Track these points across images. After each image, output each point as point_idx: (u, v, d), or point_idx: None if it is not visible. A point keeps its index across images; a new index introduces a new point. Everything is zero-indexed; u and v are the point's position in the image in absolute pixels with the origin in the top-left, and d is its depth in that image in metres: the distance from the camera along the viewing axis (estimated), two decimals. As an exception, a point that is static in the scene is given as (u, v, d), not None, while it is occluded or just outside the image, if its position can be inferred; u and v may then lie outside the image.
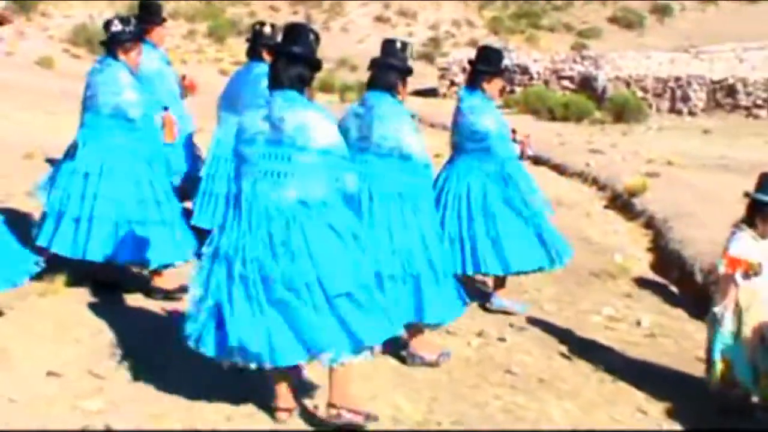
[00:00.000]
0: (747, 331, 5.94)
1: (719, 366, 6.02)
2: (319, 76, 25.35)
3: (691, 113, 25.25)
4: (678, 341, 7.70)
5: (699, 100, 25.36)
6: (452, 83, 31.13)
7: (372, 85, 6.12)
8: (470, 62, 7.75)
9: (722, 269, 6.03)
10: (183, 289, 6.28)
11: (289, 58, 4.88)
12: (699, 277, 9.49)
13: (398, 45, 6.16)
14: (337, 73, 34.61)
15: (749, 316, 5.94)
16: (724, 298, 6.07)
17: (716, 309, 6.13)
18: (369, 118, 6.01)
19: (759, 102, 24.24)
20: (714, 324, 6.11)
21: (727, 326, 5.99)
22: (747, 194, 6.24)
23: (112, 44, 6.92)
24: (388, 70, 6.08)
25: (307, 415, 5.04)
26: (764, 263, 5.93)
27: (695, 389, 6.68)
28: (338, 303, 4.67)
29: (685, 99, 25.56)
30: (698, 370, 7.01)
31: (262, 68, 7.16)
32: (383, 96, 6.05)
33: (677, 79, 26.03)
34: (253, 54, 8.17)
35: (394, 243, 5.85)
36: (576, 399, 6.08)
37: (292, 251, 4.67)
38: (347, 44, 41.44)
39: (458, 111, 7.62)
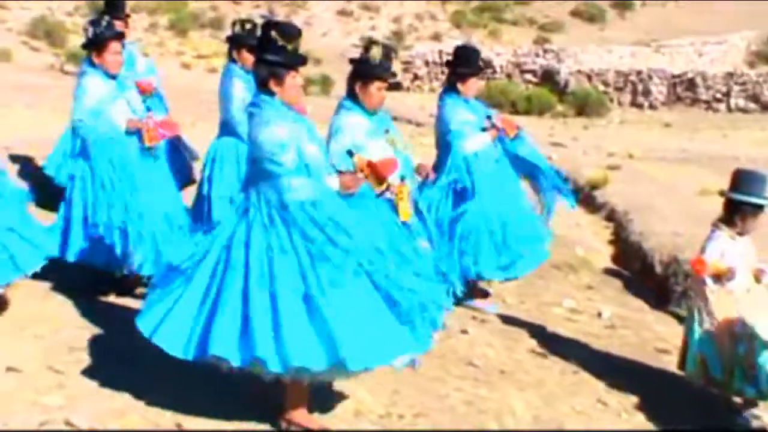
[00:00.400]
0: (719, 329, 5.99)
1: (698, 363, 6.06)
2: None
3: (652, 107, 25.46)
4: (638, 332, 7.77)
5: (659, 93, 25.57)
6: (416, 77, 31.18)
7: None
8: (447, 63, 7.74)
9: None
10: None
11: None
12: (659, 269, 9.59)
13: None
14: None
15: (722, 315, 5.99)
16: (698, 298, 6.13)
17: (692, 307, 6.18)
18: None
19: (718, 96, 24.49)
20: (690, 322, 6.16)
21: (703, 325, 6.04)
22: (722, 193, 6.27)
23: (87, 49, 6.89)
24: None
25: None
26: (742, 262, 6.00)
27: (656, 380, 6.76)
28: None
29: (646, 93, 25.76)
30: (659, 361, 7.10)
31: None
32: None
33: (638, 72, 26.23)
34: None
35: None
36: (537, 390, 6.12)
37: None
38: (311, 38, 41.29)
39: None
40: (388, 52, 5.81)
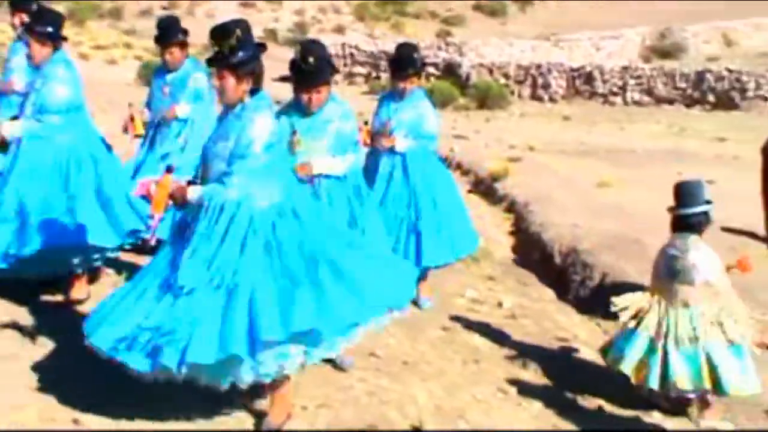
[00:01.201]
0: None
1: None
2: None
3: (552, 100, 25.87)
4: (538, 322, 7.91)
5: (559, 87, 26.00)
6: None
7: None
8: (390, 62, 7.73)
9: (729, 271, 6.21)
10: None
11: None
12: (558, 260, 9.77)
13: None
14: (202, 59, 34.06)
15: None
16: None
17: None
18: None
19: (615, 89, 25.01)
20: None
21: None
22: (671, 209, 6.38)
23: None
24: None
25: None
26: None
27: (555, 368, 6.89)
28: None
29: (546, 86, 26.17)
30: (557, 351, 7.24)
31: None
32: None
33: (538, 66, 26.62)
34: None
35: None
36: (439, 380, 6.17)
37: None
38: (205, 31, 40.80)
39: None
40: (321, 58, 5.83)
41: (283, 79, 6.68)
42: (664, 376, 6.00)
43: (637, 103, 24.46)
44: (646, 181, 13.84)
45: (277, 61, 30.55)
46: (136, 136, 7.52)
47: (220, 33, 4.69)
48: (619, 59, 31.22)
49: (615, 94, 24.99)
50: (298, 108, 5.82)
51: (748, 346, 6.07)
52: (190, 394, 4.83)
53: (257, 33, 36.84)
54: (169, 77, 7.77)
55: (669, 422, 6.17)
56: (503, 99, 24.72)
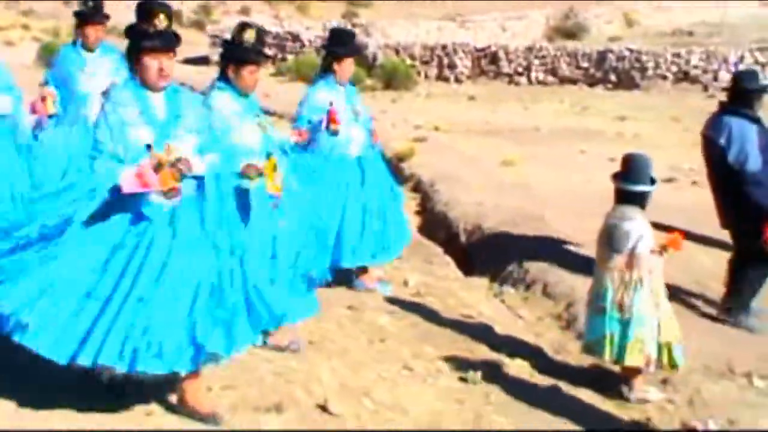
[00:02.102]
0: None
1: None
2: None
3: (458, 80, 26.04)
4: (443, 299, 7.97)
5: (465, 67, 26.16)
6: (223, 50, 30.78)
7: None
8: (323, 46, 7.76)
9: (663, 251, 6.18)
10: None
11: None
12: (464, 238, 9.87)
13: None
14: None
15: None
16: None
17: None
18: None
19: (519, 69, 25.28)
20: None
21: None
22: (615, 178, 6.40)
23: None
24: None
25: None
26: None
27: (460, 345, 6.96)
28: None
29: (452, 66, 26.31)
30: (463, 327, 7.32)
31: None
32: None
33: (444, 47, 26.74)
34: None
35: None
36: (344, 359, 6.19)
37: None
38: (117, 11, 40.06)
39: None
40: (261, 36, 5.77)
41: (188, 61, 6.62)
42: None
43: (541, 82, 24.78)
44: (550, 159, 14.07)
45: (182, 43, 29.92)
46: (50, 116, 7.44)
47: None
48: (524, 40, 31.57)
49: (520, 74, 25.26)
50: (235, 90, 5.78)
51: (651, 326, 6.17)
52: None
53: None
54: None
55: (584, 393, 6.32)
56: (410, 79, 24.79)
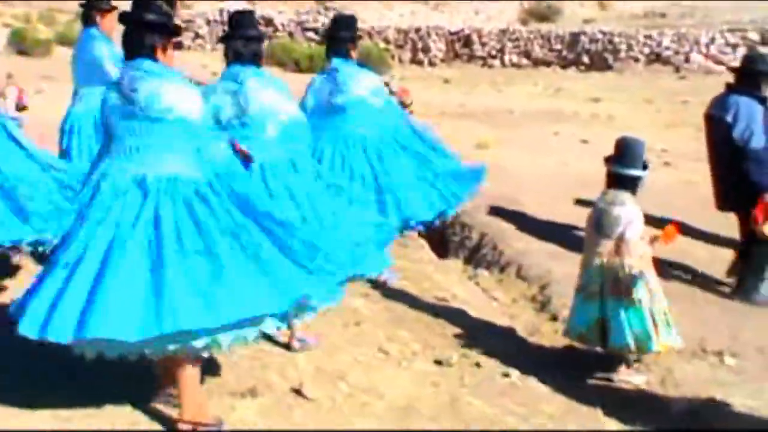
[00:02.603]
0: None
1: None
2: (57, 29, 24.01)
3: (432, 63, 26.03)
4: (418, 282, 7.97)
5: (438, 50, 26.15)
6: (197, 35, 30.60)
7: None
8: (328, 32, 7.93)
9: (654, 242, 6.13)
10: None
11: (143, 26, 4.65)
12: (438, 221, 9.86)
13: None
14: (77, 25, 33.10)
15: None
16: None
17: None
18: None
19: (493, 52, 25.29)
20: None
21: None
22: (608, 162, 6.36)
23: None
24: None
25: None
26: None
27: (435, 328, 6.97)
28: None
29: (426, 50, 26.29)
30: (437, 310, 7.33)
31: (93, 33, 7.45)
32: None
33: (417, 30, 26.71)
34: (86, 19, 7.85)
35: None
36: (319, 343, 6.18)
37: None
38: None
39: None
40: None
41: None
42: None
43: (515, 65, 24.81)
44: (524, 141, 14.11)
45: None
46: (23, 108, 7.36)
47: None
48: (498, 22, 31.56)
49: (493, 56, 25.29)
50: None
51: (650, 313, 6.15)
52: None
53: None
54: None
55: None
56: (383, 63, 24.74)
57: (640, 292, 6.03)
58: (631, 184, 6.24)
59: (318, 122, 7.21)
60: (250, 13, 6.47)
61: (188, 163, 4.58)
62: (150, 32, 4.66)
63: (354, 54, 7.70)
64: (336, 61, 7.66)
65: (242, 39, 6.05)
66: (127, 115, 4.57)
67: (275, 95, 5.95)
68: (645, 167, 6.30)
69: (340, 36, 7.71)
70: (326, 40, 7.97)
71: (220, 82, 6.10)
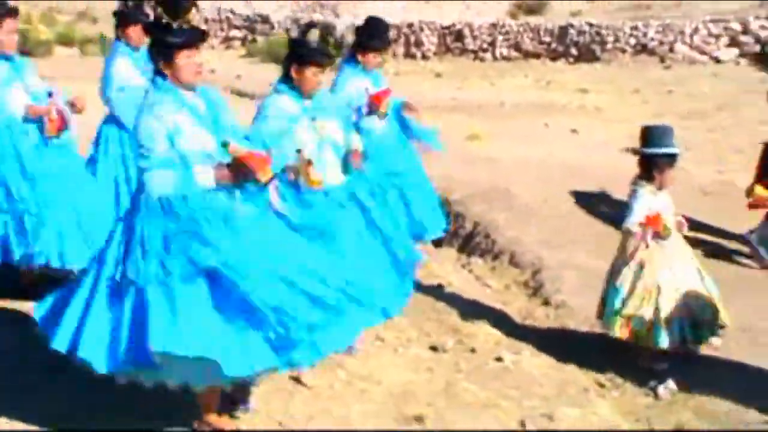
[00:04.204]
0: (641, 285, 6.11)
1: (618, 320, 6.16)
2: (58, 29, 23.69)
3: (425, 57, 25.96)
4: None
5: (431, 44, 26.09)
6: (195, 34, 30.55)
7: None
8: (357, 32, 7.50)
9: (636, 228, 6.07)
10: None
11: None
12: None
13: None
14: (77, 26, 33.00)
15: (648, 271, 6.11)
16: (624, 254, 6.22)
17: (617, 263, 6.28)
18: None
19: (484, 46, 25.22)
20: (613, 276, 6.29)
21: (625, 279, 6.15)
22: (635, 151, 6.33)
23: None
24: None
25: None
26: (663, 214, 6.12)
27: (429, 314, 6.99)
28: None
29: (419, 44, 26.24)
30: (432, 298, 7.33)
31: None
32: None
33: (410, 25, 26.64)
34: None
35: None
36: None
37: None
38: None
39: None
40: (325, 37, 5.64)
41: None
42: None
43: (505, 58, 24.73)
44: (515, 132, 14.09)
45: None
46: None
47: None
48: (488, 16, 31.47)
49: (485, 50, 25.20)
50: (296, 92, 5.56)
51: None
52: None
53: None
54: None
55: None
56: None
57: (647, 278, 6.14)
58: (648, 167, 6.22)
59: None
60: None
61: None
62: None
63: (360, 58, 7.23)
64: None
65: None
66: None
67: None
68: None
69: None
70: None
71: None
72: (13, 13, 6.36)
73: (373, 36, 7.25)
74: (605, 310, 6.29)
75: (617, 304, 6.14)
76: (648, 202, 6.12)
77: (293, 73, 5.49)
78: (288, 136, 5.41)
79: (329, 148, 5.62)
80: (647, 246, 6.11)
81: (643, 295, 6.09)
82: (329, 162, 5.60)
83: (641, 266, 6.14)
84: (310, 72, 5.46)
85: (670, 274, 6.13)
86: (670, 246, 6.17)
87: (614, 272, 6.29)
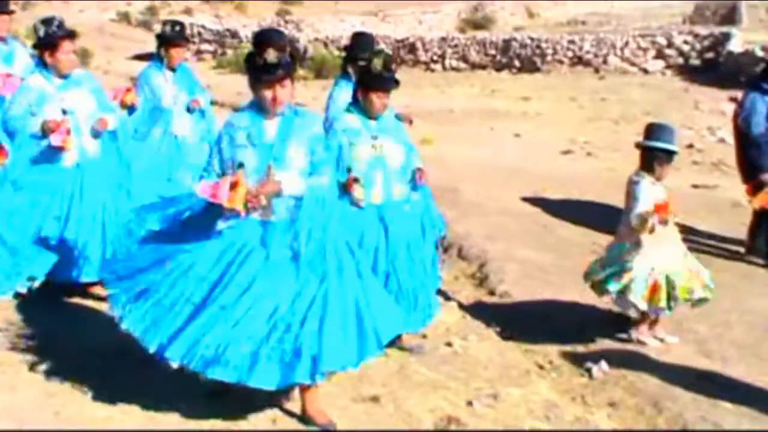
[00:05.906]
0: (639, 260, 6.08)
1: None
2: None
3: (381, 69, 25.93)
4: (370, 264, 7.91)
5: (386, 57, 26.06)
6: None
7: None
8: (345, 48, 7.50)
9: (651, 217, 5.94)
10: None
11: None
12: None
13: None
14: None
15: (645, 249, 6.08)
16: (627, 237, 6.17)
17: (622, 245, 6.21)
18: None
19: (435, 58, 25.25)
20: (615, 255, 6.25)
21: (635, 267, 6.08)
22: (638, 145, 6.29)
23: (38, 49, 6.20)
24: None
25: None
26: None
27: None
28: None
29: (375, 56, 26.20)
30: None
31: None
32: None
33: (367, 39, 26.59)
34: None
35: None
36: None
37: None
38: (70, 14, 39.13)
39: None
40: (389, 62, 5.56)
41: (137, 57, 6.42)
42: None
43: (454, 69, 24.76)
44: (463, 136, 14.13)
45: (131, 41, 29.43)
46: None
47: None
48: (439, 31, 31.52)
49: (435, 61, 25.23)
50: (362, 113, 5.59)
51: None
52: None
53: (111, 16, 35.41)
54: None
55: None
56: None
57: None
58: (648, 159, 6.20)
59: None
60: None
61: None
62: None
63: (351, 71, 7.08)
64: None
65: None
66: None
67: None
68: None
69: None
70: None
71: None
72: (71, 35, 6.22)
73: (363, 49, 7.17)
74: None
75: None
76: (651, 190, 6.11)
77: (359, 96, 5.55)
78: (347, 151, 5.48)
79: (381, 167, 5.59)
80: (653, 231, 6.04)
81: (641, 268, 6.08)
82: (376, 182, 5.57)
83: (640, 245, 6.10)
84: (375, 96, 5.50)
85: (660, 252, 6.12)
86: (663, 230, 6.14)
87: (622, 253, 6.21)
